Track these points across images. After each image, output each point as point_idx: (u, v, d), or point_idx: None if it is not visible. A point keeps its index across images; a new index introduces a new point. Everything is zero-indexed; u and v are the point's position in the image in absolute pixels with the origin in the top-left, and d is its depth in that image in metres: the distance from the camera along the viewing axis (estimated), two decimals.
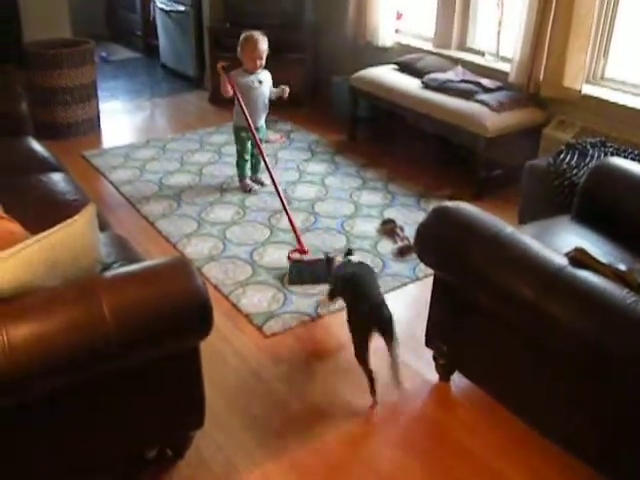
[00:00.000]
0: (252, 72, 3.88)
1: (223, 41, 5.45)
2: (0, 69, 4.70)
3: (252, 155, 4.07)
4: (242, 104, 3.74)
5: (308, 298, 3.03)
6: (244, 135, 3.96)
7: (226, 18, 5.56)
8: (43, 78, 4.69)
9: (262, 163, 3.91)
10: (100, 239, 1.92)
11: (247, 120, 3.72)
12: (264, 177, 4.13)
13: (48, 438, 1.74)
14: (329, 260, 2.83)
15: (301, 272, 3.17)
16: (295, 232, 3.39)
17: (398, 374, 2.38)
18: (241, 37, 3.89)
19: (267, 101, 3.97)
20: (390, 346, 2.36)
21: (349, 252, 2.81)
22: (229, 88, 3.77)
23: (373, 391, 2.42)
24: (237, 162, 4.09)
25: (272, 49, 4.98)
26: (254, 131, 3.74)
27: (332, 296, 2.79)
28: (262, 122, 4.01)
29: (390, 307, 2.41)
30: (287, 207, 3.51)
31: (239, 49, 3.88)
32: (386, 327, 2.36)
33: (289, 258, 3.28)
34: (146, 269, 1.84)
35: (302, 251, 3.32)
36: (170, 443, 2.09)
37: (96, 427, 1.83)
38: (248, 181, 4.10)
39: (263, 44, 3.85)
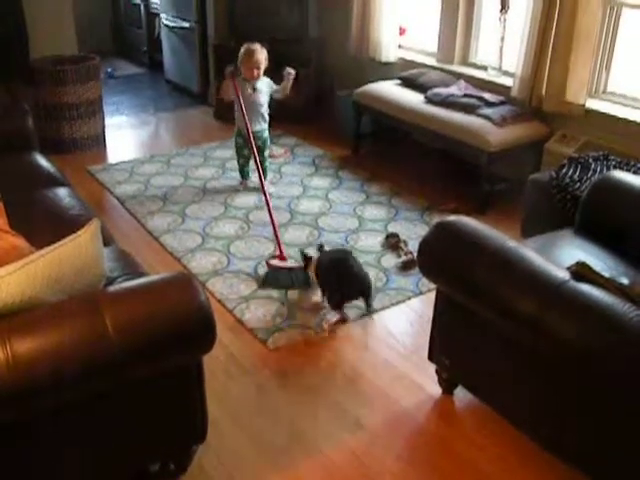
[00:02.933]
0: (249, 80, 4.11)
1: (227, 57, 5.48)
2: (7, 85, 4.76)
3: (262, 160, 4.14)
4: (242, 108, 3.96)
5: (312, 312, 3.04)
6: (240, 140, 4.22)
7: (231, 35, 5.60)
8: (49, 94, 4.73)
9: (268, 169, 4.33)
10: (104, 254, 1.93)
11: (246, 124, 3.94)
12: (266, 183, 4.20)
13: (50, 453, 1.75)
14: (307, 259, 3.14)
15: (278, 277, 3.24)
16: (277, 239, 3.46)
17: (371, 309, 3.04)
18: (242, 48, 4.12)
19: (263, 109, 4.18)
20: (368, 302, 3.01)
21: (321, 247, 3.20)
22: (230, 92, 4.05)
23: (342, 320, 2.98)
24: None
25: (276, 64, 5.05)
26: (250, 134, 3.91)
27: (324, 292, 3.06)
28: (261, 128, 4.20)
29: (369, 276, 3.05)
30: (273, 214, 3.60)
31: (239, 59, 4.10)
32: (365, 295, 2.99)
33: (267, 264, 3.32)
34: (150, 284, 1.85)
35: (281, 258, 3.37)
36: (172, 457, 2.09)
37: (98, 441, 1.83)
38: (243, 183, 4.38)
39: (260, 54, 4.08)
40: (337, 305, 2.96)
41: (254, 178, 4.20)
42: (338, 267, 3.00)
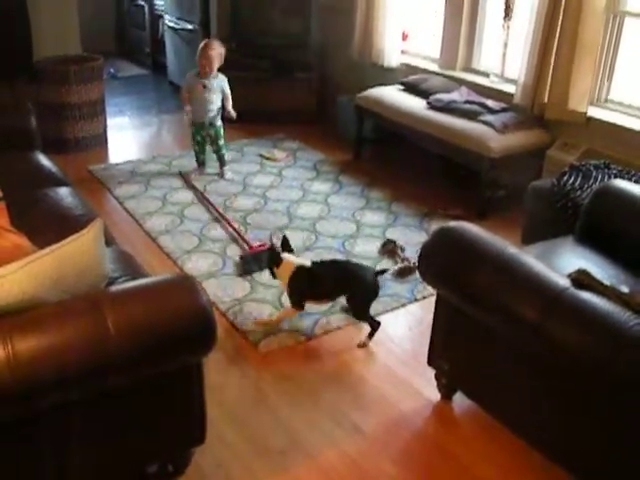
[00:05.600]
0: (202, 77, 4.34)
1: (230, 60, 5.50)
2: (10, 84, 4.77)
3: (218, 149, 4.53)
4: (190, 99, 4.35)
5: (305, 317, 3.03)
6: (193, 128, 4.49)
7: (233, 38, 5.61)
8: (52, 93, 4.74)
9: (226, 156, 4.60)
10: (106, 254, 1.93)
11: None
12: (225, 170, 4.58)
13: (49, 452, 1.75)
14: (273, 246, 3.03)
15: (247, 263, 3.41)
16: (241, 237, 3.68)
17: None
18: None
19: (213, 105, 4.40)
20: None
21: (285, 242, 2.99)
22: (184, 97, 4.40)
23: (371, 335, 2.89)
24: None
25: (279, 69, 5.10)
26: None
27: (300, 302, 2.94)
28: (211, 121, 4.45)
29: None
30: (231, 222, 3.86)
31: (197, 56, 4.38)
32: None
33: (240, 257, 3.49)
34: (152, 285, 1.85)
35: (250, 247, 3.57)
36: (171, 459, 2.09)
37: (97, 442, 1.83)
38: (199, 170, 4.61)
39: (211, 51, 4.30)
40: (367, 311, 2.89)
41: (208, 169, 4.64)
42: (347, 272, 2.92)
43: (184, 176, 4.51)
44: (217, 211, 3.98)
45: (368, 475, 2.22)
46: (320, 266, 2.94)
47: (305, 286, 2.88)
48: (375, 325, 2.88)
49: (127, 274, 2.14)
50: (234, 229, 3.76)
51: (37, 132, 3.49)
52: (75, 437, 1.76)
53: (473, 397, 2.41)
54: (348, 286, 2.88)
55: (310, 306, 2.99)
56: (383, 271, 2.99)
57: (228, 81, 4.43)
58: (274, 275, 2.96)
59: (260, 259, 3.39)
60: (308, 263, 2.93)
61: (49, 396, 1.60)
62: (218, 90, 4.37)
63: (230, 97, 4.43)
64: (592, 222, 2.70)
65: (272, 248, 3.00)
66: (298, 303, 2.91)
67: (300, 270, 2.88)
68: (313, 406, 2.52)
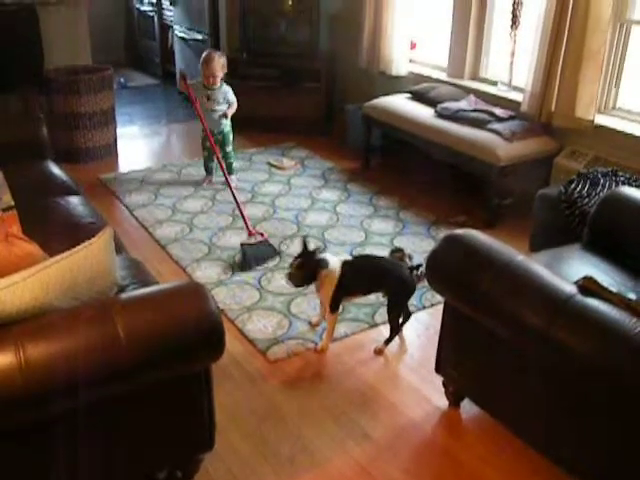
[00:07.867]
0: (206, 87, 4.39)
1: (239, 70, 5.55)
2: (21, 94, 4.82)
3: (225, 155, 4.52)
4: (198, 110, 4.19)
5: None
6: (204, 135, 4.46)
7: (243, 48, 5.66)
8: (63, 103, 4.79)
9: (234, 165, 4.63)
10: (116, 262, 1.95)
11: (202, 122, 4.25)
12: (232, 178, 4.46)
13: (59, 458, 1.76)
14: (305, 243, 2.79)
15: (247, 256, 3.49)
16: (242, 216, 3.76)
17: None
18: (203, 53, 4.45)
19: (218, 114, 4.43)
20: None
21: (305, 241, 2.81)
22: (182, 88, 4.31)
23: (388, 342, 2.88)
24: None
25: (287, 78, 5.11)
26: (209, 133, 4.27)
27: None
28: (218, 129, 4.47)
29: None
30: (237, 196, 3.89)
31: (200, 66, 4.41)
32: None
33: (241, 245, 3.57)
34: (161, 292, 1.87)
35: (250, 234, 3.65)
36: (180, 465, 2.10)
37: (107, 447, 1.84)
38: (207, 179, 4.65)
39: (216, 63, 4.35)
40: (399, 320, 2.86)
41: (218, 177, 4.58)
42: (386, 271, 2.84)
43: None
44: (229, 187, 3.96)
45: None
46: (357, 261, 2.96)
47: (349, 283, 2.78)
48: (396, 331, 2.88)
49: (137, 281, 2.16)
50: (239, 208, 3.81)
51: (48, 142, 3.53)
52: (84, 442, 1.78)
53: (481, 404, 2.41)
54: (384, 283, 2.85)
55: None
56: (418, 266, 2.90)
57: (237, 88, 4.46)
58: (308, 283, 2.81)
59: (260, 252, 3.52)
60: (348, 257, 2.93)
61: (60, 402, 1.62)
62: (223, 101, 4.43)
63: (235, 105, 4.47)
64: (599, 229, 2.70)
65: (307, 253, 2.75)
66: (337, 305, 2.82)
67: (347, 265, 2.78)
68: (321, 413, 2.53)
